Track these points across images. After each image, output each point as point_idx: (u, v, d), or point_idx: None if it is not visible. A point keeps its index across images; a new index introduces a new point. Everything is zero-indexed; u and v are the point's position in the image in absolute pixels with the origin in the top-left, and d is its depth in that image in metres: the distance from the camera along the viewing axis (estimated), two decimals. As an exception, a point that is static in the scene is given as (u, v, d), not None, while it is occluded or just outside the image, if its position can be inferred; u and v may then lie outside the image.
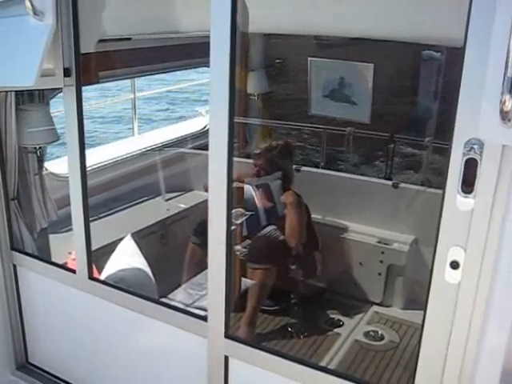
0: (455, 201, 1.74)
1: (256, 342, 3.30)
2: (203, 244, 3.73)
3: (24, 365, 3.33)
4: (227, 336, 2.37)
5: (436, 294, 1.86)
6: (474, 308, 1.79)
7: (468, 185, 1.71)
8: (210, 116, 2.13)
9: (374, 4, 2.10)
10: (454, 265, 1.79)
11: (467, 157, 1.68)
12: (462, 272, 1.78)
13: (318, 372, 2.24)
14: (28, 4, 2.26)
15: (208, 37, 2.10)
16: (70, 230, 3.60)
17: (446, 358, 1.87)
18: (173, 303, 3.37)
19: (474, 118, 1.63)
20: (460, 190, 1.72)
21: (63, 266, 3.06)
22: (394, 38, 2.10)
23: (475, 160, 1.67)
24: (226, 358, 2.41)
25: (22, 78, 2.31)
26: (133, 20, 2.62)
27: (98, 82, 2.79)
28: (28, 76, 2.26)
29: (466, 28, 1.60)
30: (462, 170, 1.70)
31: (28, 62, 2.31)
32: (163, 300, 3.32)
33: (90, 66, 2.63)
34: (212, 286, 2.34)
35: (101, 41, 2.75)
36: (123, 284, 3.00)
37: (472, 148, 1.67)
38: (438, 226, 1.80)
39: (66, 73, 2.49)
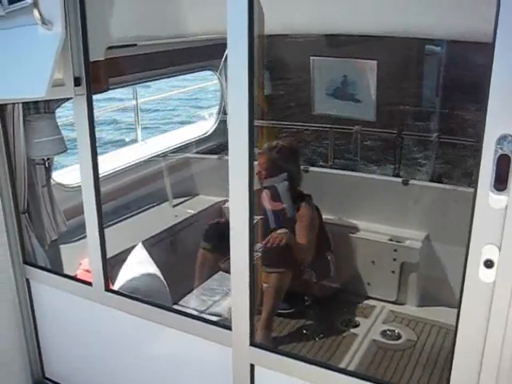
0: (488, 198, 1.70)
1: (273, 345, 3.27)
2: (213, 248, 3.75)
3: (41, 380, 3.28)
4: (252, 344, 2.33)
5: (470, 293, 1.82)
6: (511, 306, 1.75)
7: (501, 182, 1.68)
8: (229, 121, 2.10)
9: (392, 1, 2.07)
10: (489, 263, 1.75)
11: (500, 153, 1.65)
12: (497, 270, 1.74)
13: (348, 377, 2.21)
14: (36, 13, 2.21)
15: (215, 39, 2.07)
16: (78, 239, 3.57)
17: (483, 358, 1.84)
18: (187, 310, 3.34)
19: (506, 114, 1.61)
20: (493, 187, 1.69)
21: (78, 279, 3.01)
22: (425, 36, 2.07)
23: (508, 156, 1.64)
24: (252, 367, 2.37)
25: (33, 88, 2.26)
26: (141, 25, 2.57)
27: (108, 90, 2.75)
28: (39, 87, 2.21)
29: (496, 21, 1.57)
30: (495, 166, 1.67)
31: (38, 72, 2.26)
32: (176, 307, 3.29)
33: (99, 73, 2.58)
34: (236, 295, 2.30)
35: (108, 48, 2.70)
36: (138, 294, 2.95)
37: (504, 144, 1.64)
38: (471, 224, 1.76)
39: (77, 82, 2.44)
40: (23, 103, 2.94)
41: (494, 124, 1.64)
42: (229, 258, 2.39)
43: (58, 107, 3.30)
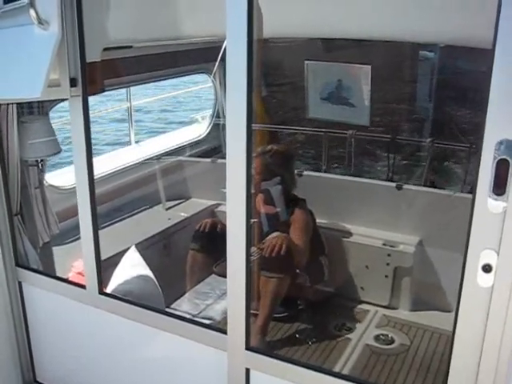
0: (486, 203, 1.71)
1: (267, 349, 3.25)
2: (202, 249, 3.73)
3: None
4: (248, 348, 2.32)
5: (468, 297, 1.82)
6: (508, 311, 1.76)
7: (499, 186, 1.68)
8: (227, 124, 2.08)
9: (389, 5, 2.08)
10: (487, 268, 1.76)
11: (499, 158, 1.66)
12: (495, 275, 1.75)
13: (343, 381, 2.20)
14: (33, 13, 2.20)
15: (210, 42, 2.06)
16: (70, 242, 3.54)
17: (480, 362, 1.84)
18: (181, 314, 3.32)
19: (505, 118, 1.62)
20: (491, 191, 1.69)
21: (71, 282, 2.98)
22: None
23: (507, 161, 1.65)
24: (248, 371, 2.35)
25: (29, 89, 2.24)
26: (138, 26, 2.56)
27: (103, 91, 2.73)
28: (34, 87, 2.19)
29: (496, 26, 1.58)
30: (494, 171, 1.67)
31: (34, 72, 2.24)
32: (170, 311, 3.27)
33: (95, 75, 2.56)
34: (231, 299, 2.28)
35: (103, 49, 2.69)
36: (131, 297, 2.93)
37: (504, 149, 1.64)
38: (469, 228, 1.76)
39: (72, 83, 2.41)
40: (17, 104, 2.92)
41: (494, 128, 1.64)
42: (222, 262, 2.38)
43: (51, 108, 3.28)
